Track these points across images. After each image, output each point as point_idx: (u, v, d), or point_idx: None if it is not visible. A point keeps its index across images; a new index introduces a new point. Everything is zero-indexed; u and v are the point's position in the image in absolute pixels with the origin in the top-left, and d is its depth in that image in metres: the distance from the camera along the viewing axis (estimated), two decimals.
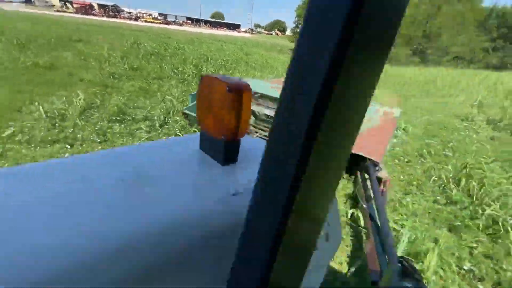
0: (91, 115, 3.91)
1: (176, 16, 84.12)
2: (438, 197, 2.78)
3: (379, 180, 2.50)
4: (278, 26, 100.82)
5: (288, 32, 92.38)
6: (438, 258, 1.94)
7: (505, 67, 20.66)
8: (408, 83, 11.16)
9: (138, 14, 66.30)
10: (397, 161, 3.71)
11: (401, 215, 2.39)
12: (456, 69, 17.99)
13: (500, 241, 2.22)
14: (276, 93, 3.76)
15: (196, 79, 6.72)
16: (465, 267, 1.94)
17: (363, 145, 2.71)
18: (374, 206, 1.94)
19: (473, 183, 2.87)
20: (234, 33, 60.34)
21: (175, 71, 6.95)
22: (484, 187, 2.78)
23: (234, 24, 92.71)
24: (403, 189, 2.95)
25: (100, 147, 3.08)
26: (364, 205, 2.10)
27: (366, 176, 2.45)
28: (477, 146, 4.41)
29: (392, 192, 2.87)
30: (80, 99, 3.99)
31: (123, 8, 73.17)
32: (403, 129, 5.01)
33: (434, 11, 21.04)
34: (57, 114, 3.70)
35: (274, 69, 9.21)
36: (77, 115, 3.74)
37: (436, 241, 2.00)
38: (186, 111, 3.93)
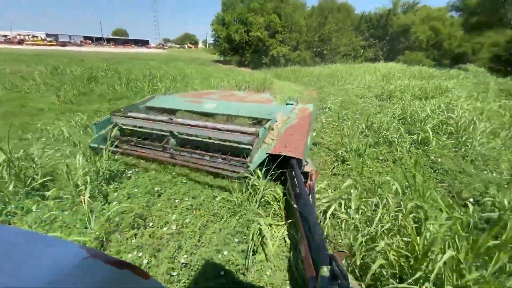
0: None
1: (70, 36, 74.50)
2: (360, 137, 4.74)
3: (306, 174, 2.56)
4: (189, 39, 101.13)
5: (200, 45, 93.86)
6: (368, 157, 3.78)
7: (378, 59, 27.42)
8: (317, 78, 14.15)
9: (18, 37, 55.96)
10: (331, 125, 5.65)
11: (346, 148, 4.16)
12: (346, 64, 22.99)
13: (392, 146, 4.25)
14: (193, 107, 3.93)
15: (156, 93, 7.40)
16: (379, 158, 3.83)
17: (283, 145, 2.80)
18: (305, 203, 1.92)
19: (374, 125, 5.00)
20: (144, 49, 57.70)
21: (133, 89, 7.46)
22: (380, 126, 4.90)
23: (142, 40, 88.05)
24: (340, 136, 4.82)
25: None
26: (295, 205, 2.05)
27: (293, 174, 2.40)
28: (372, 110, 6.85)
29: (337, 138, 4.71)
30: (81, 119, 4.49)
31: None
32: (328, 108, 7.15)
33: (323, 19, 26.24)
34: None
35: (219, 78, 10.53)
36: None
37: (364, 150, 3.82)
38: (93, 145, 3.35)
